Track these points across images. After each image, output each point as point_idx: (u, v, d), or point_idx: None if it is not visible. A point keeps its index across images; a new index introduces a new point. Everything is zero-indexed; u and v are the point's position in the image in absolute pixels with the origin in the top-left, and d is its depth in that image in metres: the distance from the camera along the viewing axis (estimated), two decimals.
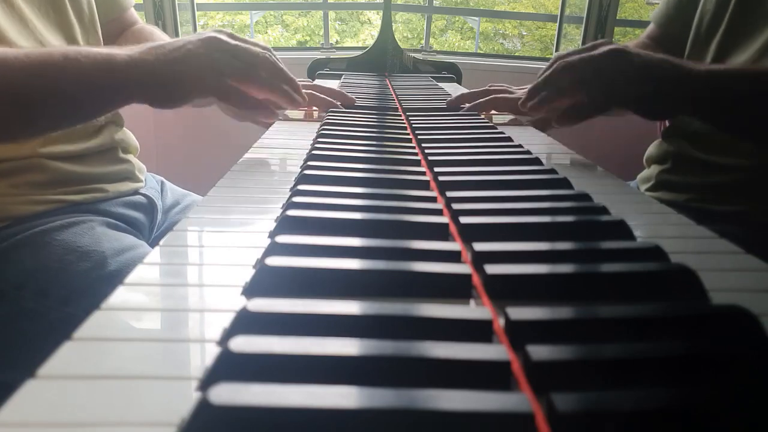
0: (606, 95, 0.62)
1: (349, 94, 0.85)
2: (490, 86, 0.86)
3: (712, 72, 0.61)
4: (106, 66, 0.55)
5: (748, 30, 0.72)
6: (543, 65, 0.68)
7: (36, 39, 0.64)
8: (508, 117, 0.85)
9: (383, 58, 1.35)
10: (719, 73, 0.62)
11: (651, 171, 0.85)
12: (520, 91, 0.84)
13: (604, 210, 0.40)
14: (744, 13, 0.73)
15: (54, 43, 0.67)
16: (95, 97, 0.56)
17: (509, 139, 0.65)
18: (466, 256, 0.33)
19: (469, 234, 0.36)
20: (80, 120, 0.62)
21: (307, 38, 8.15)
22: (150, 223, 0.78)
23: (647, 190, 0.83)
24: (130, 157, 0.79)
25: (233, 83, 0.59)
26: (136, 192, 0.77)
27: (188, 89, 0.58)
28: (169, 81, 0.57)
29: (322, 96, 0.81)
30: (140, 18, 0.91)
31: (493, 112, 0.86)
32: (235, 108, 0.64)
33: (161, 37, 0.88)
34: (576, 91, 0.63)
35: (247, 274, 0.30)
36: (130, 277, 0.31)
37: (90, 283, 0.58)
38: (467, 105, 0.84)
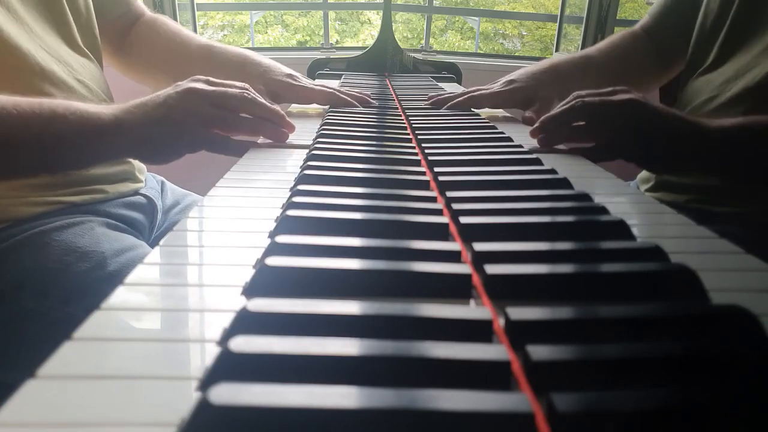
0: (615, 143, 0.62)
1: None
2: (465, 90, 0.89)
3: (725, 130, 0.60)
4: (93, 125, 0.55)
5: (750, 31, 0.73)
6: None
7: (34, 41, 0.64)
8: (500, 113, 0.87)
9: (383, 58, 1.35)
10: (731, 131, 0.60)
11: None
12: (496, 86, 0.85)
13: (604, 210, 0.40)
14: (747, 13, 0.73)
15: (51, 44, 0.67)
16: (80, 154, 0.57)
17: (509, 139, 0.65)
18: (466, 256, 0.33)
19: (469, 234, 0.36)
20: (62, 171, 0.62)
21: (307, 38, 8.15)
22: (150, 224, 0.77)
23: (647, 190, 0.83)
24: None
25: (218, 132, 0.61)
26: (136, 192, 0.77)
27: (175, 148, 0.60)
28: (155, 142, 0.58)
29: (343, 97, 0.83)
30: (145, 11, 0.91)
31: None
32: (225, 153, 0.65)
33: (175, 29, 0.88)
34: (588, 133, 0.63)
35: (247, 274, 0.30)
36: (130, 277, 0.31)
37: (90, 284, 0.58)
38: (448, 104, 0.86)
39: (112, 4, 0.82)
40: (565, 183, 0.47)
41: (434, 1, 2.98)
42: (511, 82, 0.86)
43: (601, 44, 0.94)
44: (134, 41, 0.86)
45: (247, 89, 0.63)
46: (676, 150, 0.60)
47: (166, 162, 0.61)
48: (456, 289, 0.30)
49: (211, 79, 0.62)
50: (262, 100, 0.64)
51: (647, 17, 0.93)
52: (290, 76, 0.83)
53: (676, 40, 0.86)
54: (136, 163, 0.80)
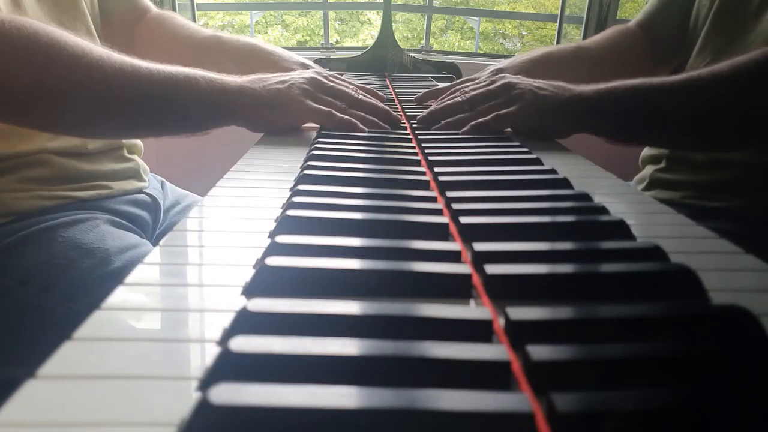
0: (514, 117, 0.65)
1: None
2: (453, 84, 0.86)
3: (599, 92, 0.64)
4: (220, 89, 0.61)
5: (728, 23, 0.74)
6: None
7: None
8: None
9: (383, 58, 1.35)
10: (605, 91, 0.64)
11: (645, 171, 0.85)
12: (484, 75, 0.84)
13: (604, 210, 0.40)
14: (727, 6, 0.74)
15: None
16: (204, 114, 0.62)
17: (509, 139, 0.65)
18: (466, 256, 0.33)
19: (469, 234, 0.36)
20: (184, 131, 0.66)
21: (307, 38, 8.14)
22: (153, 222, 0.78)
23: (642, 190, 0.84)
24: (135, 157, 0.79)
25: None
26: (140, 191, 0.77)
27: (288, 115, 0.65)
28: (272, 107, 0.63)
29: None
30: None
31: None
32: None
33: (181, 23, 0.88)
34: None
35: (247, 274, 0.30)
36: (130, 277, 0.31)
37: (94, 280, 0.58)
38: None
39: (116, 1, 0.82)
40: (565, 183, 0.47)
41: (434, 1, 2.98)
42: (499, 71, 0.84)
43: (596, 36, 0.94)
44: (142, 37, 0.86)
45: (357, 91, 0.69)
46: (560, 113, 0.64)
47: (272, 131, 0.66)
48: (456, 289, 0.30)
49: (328, 77, 0.68)
50: (370, 100, 0.68)
51: (642, 14, 0.93)
52: (304, 65, 0.83)
53: (669, 37, 0.87)
54: (141, 163, 0.80)
